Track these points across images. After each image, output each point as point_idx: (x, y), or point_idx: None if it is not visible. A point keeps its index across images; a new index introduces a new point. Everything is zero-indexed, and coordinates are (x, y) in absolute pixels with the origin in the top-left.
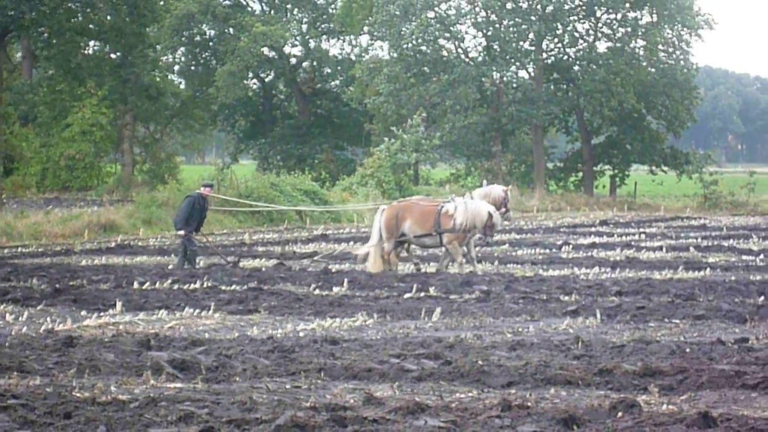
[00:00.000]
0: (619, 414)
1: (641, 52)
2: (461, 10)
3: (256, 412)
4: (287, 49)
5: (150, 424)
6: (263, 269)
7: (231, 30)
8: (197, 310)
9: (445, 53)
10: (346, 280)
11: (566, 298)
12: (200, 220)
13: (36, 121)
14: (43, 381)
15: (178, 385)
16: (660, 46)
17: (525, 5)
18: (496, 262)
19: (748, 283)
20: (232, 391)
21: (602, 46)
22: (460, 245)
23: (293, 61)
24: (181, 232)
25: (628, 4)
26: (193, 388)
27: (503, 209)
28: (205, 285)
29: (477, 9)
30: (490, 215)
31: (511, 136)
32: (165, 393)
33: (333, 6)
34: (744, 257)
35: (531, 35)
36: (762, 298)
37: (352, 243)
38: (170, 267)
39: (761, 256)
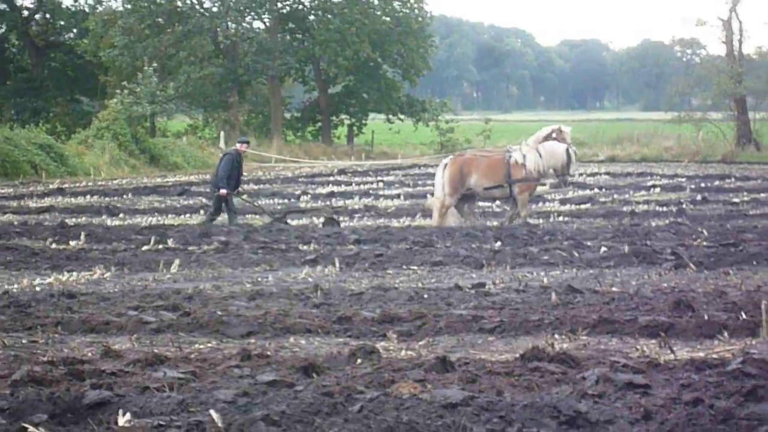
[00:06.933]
0: (359, 360)
1: (375, 2)
2: None
3: None
4: (19, 1)
5: None
6: None
7: None
8: None
9: (179, 4)
10: (83, 233)
11: (305, 247)
12: (238, 177)
13: None
14: None
15: None
16: None
17: None
18: None
19: (485, 229)
20: None
21: None
22: (531, 195)
23: (25, 13)
24: (224, 192)
25: None
26: None
27: None
28: None
29: None
30: (569, 152)
31: (247, 87)
32: None
33: None
34: (481, 203)
35: None
36: (498, 243)
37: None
38: (228, 225)
39: (497, 203)
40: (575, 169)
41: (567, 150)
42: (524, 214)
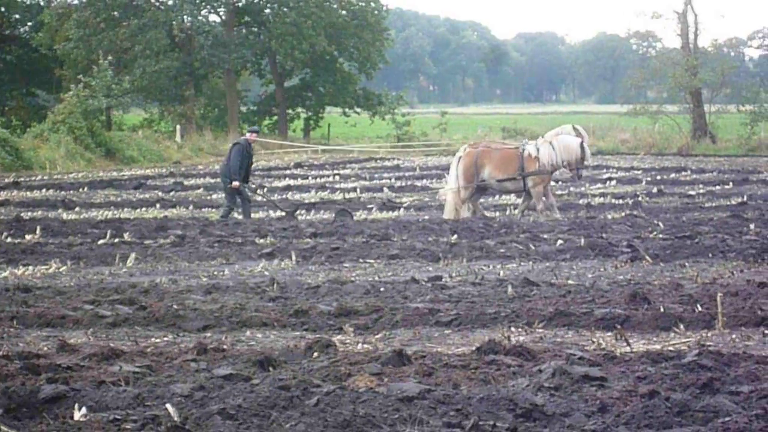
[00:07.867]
0: (315, 354)
1: None
2: None
3: None
4: None
5: None
6: None
7: None
8: None
9: None
10: (38, 227)
11: (262, 240)
12: (248, 168)
13: None
14: None
15: None
16: None
17: None
18: (191, 207)
19: (441, 222)
20: None
21: None
22: (544, 188)
23: None
24: (236, 184)
25: None
26: None
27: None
28: None
29: None
30: (583, 147)
31: (203, 80)
32: None
33: None
34: (436, 197)
35: None
36: (455, 236)
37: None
38: (240, 218)
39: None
40: (590, 163)
41: (581, 144)
42: (540, 207)
